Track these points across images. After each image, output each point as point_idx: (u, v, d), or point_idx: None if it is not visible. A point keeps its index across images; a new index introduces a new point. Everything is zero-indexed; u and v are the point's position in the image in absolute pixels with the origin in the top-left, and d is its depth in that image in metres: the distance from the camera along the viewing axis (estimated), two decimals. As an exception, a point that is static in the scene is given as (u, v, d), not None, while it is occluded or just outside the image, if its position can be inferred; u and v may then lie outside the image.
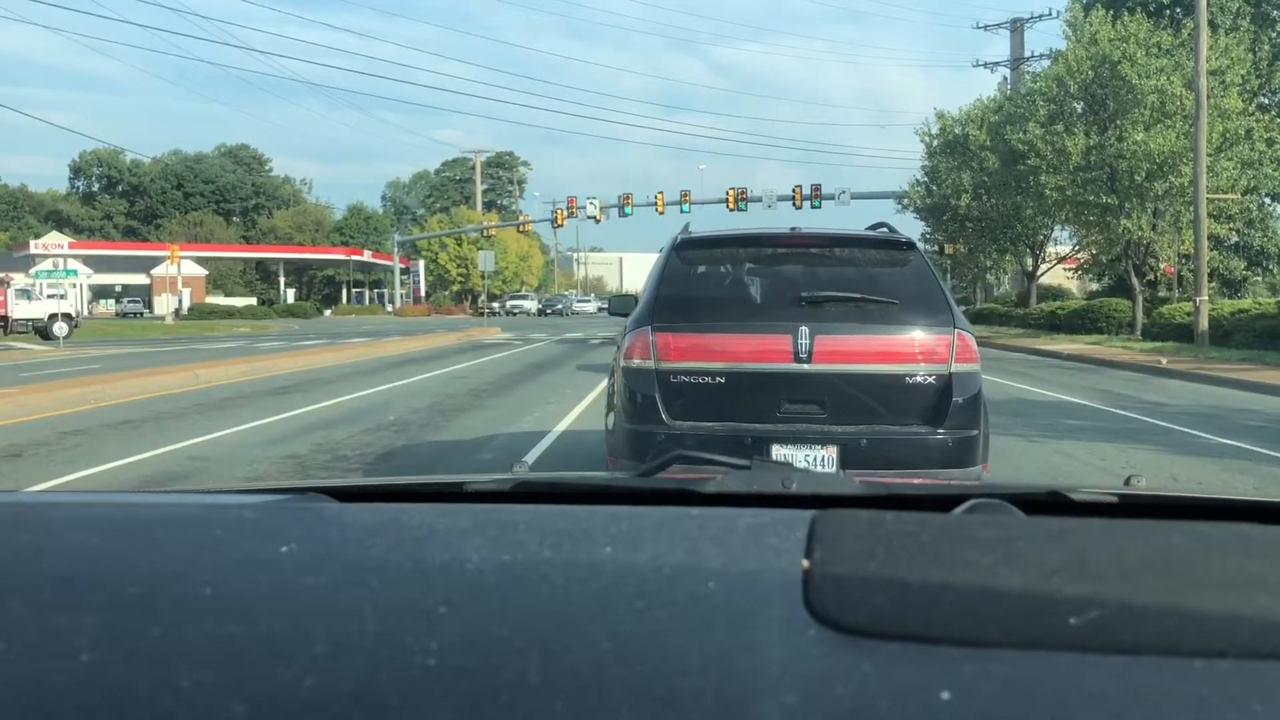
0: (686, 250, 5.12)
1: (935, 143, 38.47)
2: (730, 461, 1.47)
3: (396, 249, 67.86)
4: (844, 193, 51.08)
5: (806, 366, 4.67)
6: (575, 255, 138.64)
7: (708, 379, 4.70)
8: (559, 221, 59.63)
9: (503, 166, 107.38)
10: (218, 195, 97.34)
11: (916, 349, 4.71)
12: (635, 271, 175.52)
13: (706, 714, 0.62)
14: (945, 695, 0.62)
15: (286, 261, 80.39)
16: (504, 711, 0.63)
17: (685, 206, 50.95)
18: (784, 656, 0.68)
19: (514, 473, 1.61)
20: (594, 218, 56.37)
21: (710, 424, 4.66)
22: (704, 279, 5.10)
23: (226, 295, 76.74)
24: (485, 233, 66.10)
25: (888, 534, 0.84)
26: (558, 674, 0.66)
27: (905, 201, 40.51)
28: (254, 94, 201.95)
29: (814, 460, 4.51)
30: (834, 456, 4.53)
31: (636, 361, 4.80)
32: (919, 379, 4.68)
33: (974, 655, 0.67)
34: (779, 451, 4.52)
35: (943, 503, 1.23)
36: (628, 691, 0.64)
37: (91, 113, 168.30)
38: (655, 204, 52.25)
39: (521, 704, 0.63)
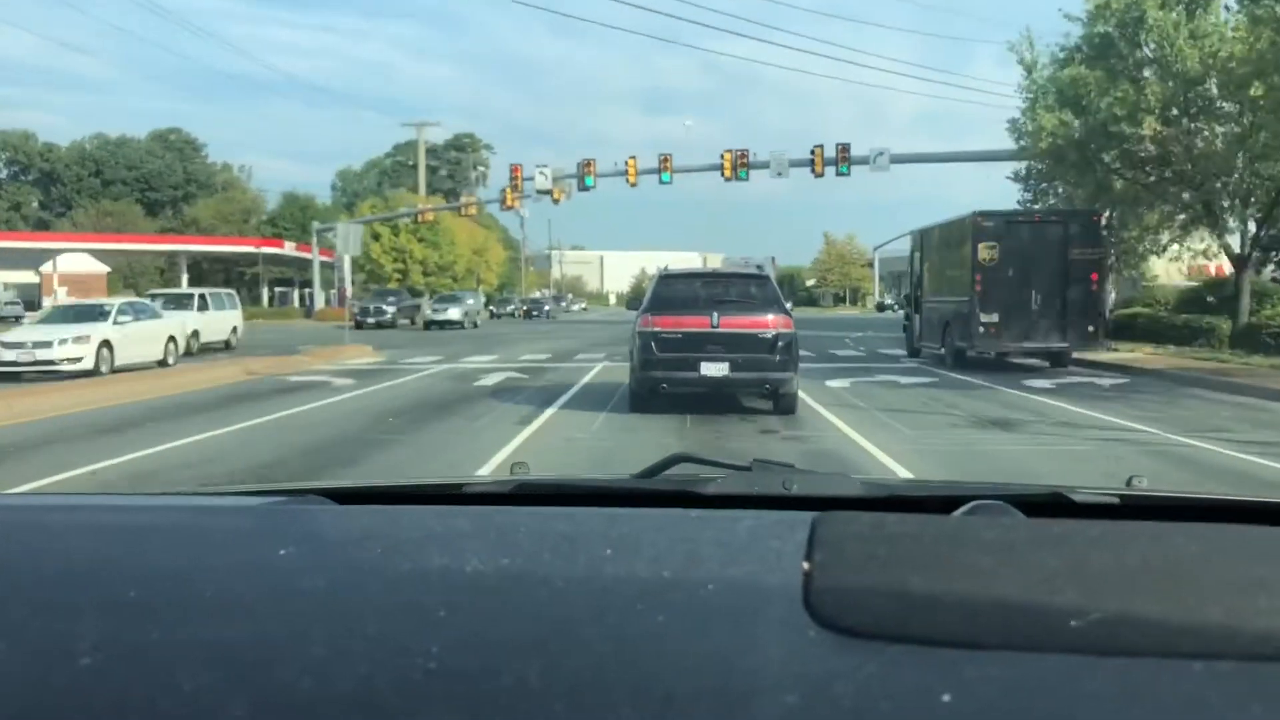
0: (665, 279, 12.34)
1: (1071, 47, 23.13)
2: (730, 464, 1.47)
3: (315, 239, 54.97)
4: (881, 154, 37.03)
5: (717, 330, 11.20)
6: (552, 252, 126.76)
7: (674, 334, 11.21)
8: (508, 202, 47.31)
9: (461, 150, 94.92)
10: (142, 183, 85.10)
11: (764, 321, 11.36)
12: (618, 271, 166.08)
13: (707, 716, 0.63)
14: (946, 698, 0.62)
15: (199, 255, 67.94)
16: (504, 714, 0.63)
17: (665, 175, 37.94)
18: (784, 658, 0.68)
19: (514, 474, 1.60)
20: (549, 192, 43.96)
21: (674, 354, 11.09)
22: (673, 292, 11.90)
23: (138, 295, 64.51)
24: (420, 218, 53.47)
25: (888, 536, 0.85)
26: (558, 676, 0.66)
27: (1024, 140, 24.85)
28: (231, 89, 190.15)
29: (717, 369, 11.06)
30: (726, 367, 11.04)
31: (643, 327, 11.42)
32: (764, 334, 11.29)
33: (974, 657, 0.67)
34: (706, 367, 11.00)
35: (944, 504, 1.22)
36: (628, 694, 0.65)
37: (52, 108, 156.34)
38: (626, 172, 38.81)
39: (522, 707, 0.63)
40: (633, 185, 38.29)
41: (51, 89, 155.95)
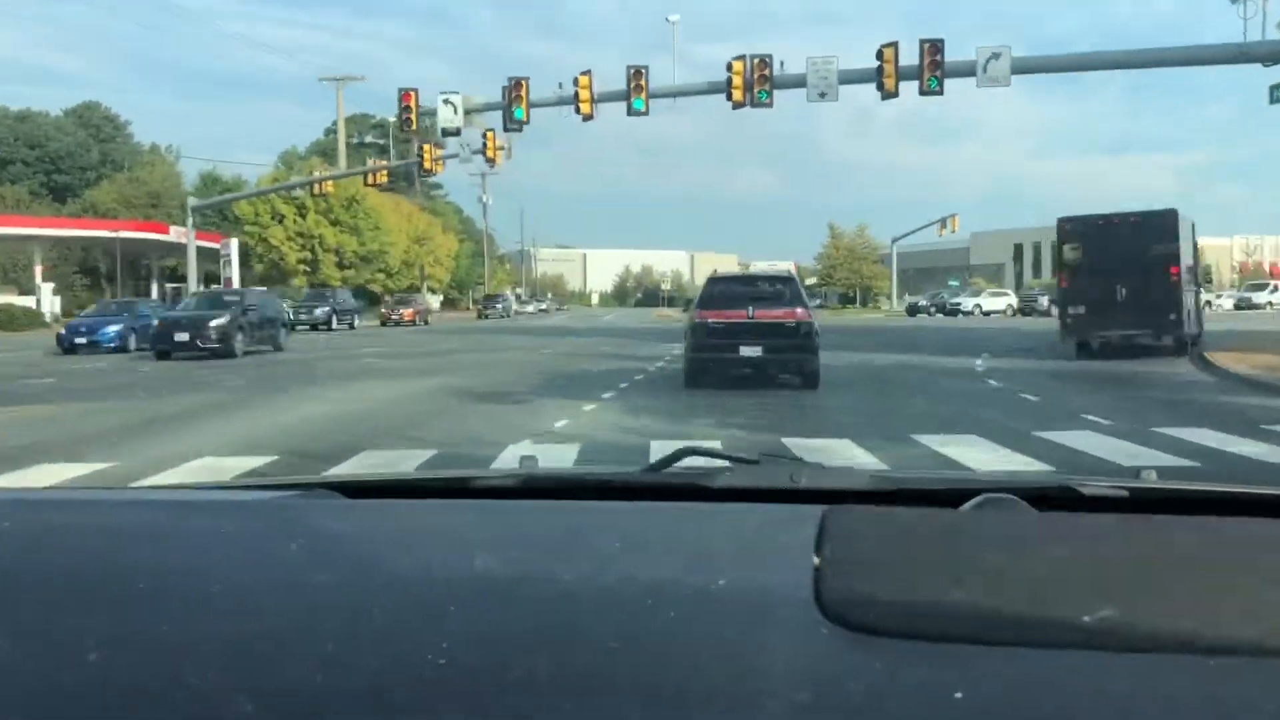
0: (712, 282, 14.94)
1: None
2: (739, 457, 1.47)
3: (191, 220, 41.68)
4: (997, 57, 21.64)
5: (751, 319, 13.61)
6: (526, 249, 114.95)
7: (719, 324, 13.67)
8: (427, 164, 34.97)
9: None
10: (48, 163, 72.60)
11: (791, 313, 13.73)
12: (601, 269, 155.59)
13: (716, 712, 0.62)
14: (958, 695, 0.62)
15: (85, 241, 55.04)
16: (513, 709, 0.63)
17: (638, 101, 23.82)
18: (795, 654, 0.68)
19: (523, 468, 1.57)
20: (484, 154, 31.68)
21: (719, 339, 13.65)
22: (718, 291, 14.41)
23: (21, 292, 51.44)
24: (318, 189, 40.32)
25: (898, 530, 0.85)
26: (567, 671, 0.66)
27: None
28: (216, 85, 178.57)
29: (752, 351, 13.60)
30: (760, 349, 13.48)
31: (696, 319, 13.95)
32: (789, 323, 13.61)
33: (986, 654, 0.66)
34: (744, 349, 13.53)
35: (952, 497, 1.20)
36: (637, 689, 0.65)
37: None
38: (575, 101, 24.28)
39: (530, 702, 0.63)
40: (587, 118, 24.35)
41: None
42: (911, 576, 0.75)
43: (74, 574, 0.86)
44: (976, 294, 60.35)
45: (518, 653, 0.68)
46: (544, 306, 71.95)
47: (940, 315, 54.58)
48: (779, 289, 14.38)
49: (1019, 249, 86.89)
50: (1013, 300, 57.11)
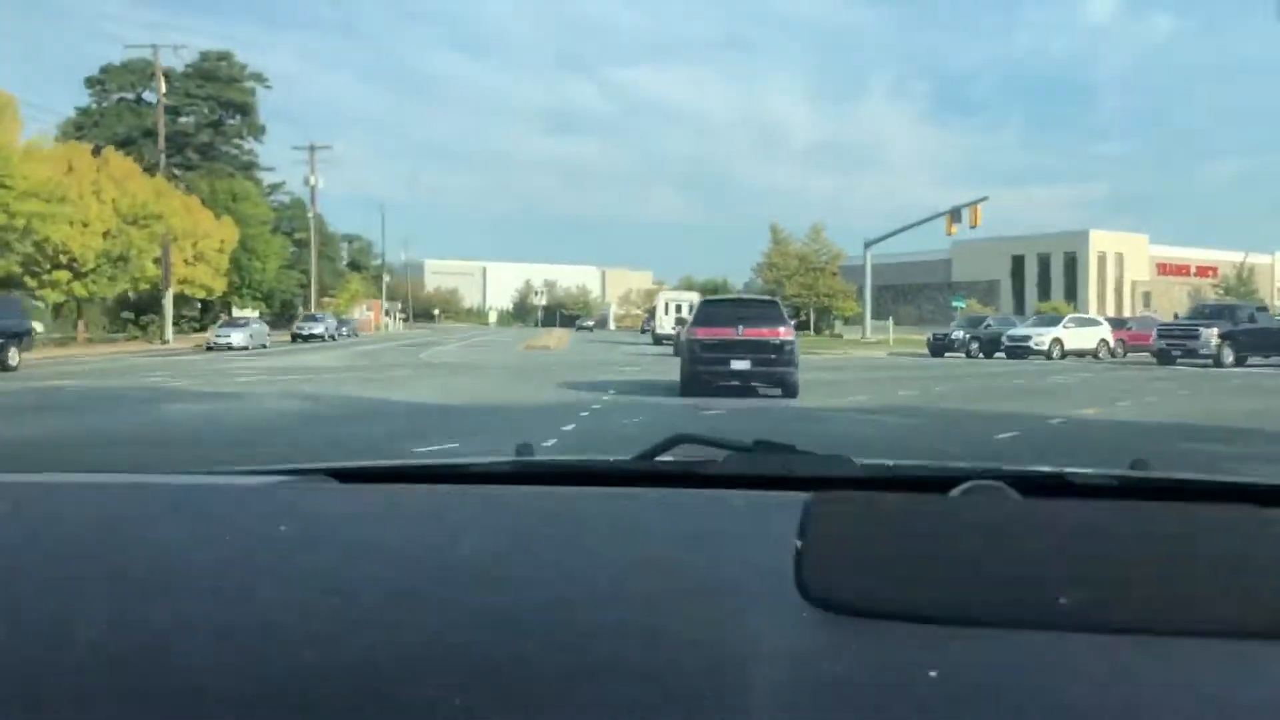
0: (706, 304, 17.41)
1: None
2: (733, 443, 1.43)
3: None
4: None
5: (740, 336, 15.02)
6: (393, 259, 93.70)
7: (711, 339, 15.10)
8: None
9: (212, 80, 58.97)
10: None
11: (775, 331, 15.27)
12: (502, 284, 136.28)
13: (697, 690, 0.64)
14: (932, 673, 0.63)
15: None
16: (500, 689, 0.64)
17: None
18: (774, 635, 0.69)
19: (515, 454, 1.58)
20: None
21: (711, 354, 15.02)
22: (711, 312, 16.16)
23: None
24: None
25: (881, 515, 0.86)
26: (554, 651, 0.68)
27: None
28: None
29: (741, 364, 14.93)
30: (748, 363, 14.92)
31: (689, 336, 15.75)
32: (774, 339, 15.18)
33: (961, 634, 0.68)
34: (734, 363, 14.90)
35: (942, 484, 1.21)
36: (621, 668, 0.66)
37: None
38: None
39: (518, 681, 0.64)
40: None
41: None
42: (890, 558, 0.75)
43: (67, 558, 0.86)
44: (1050, 322, 35.54)
45: (507, 635, 0.69)
46: (319, 330, 47.12)
47: (982, 355, 33.58)
48: (763, 310, 16.21)
49: (1018, 263, 67.38)
50: (1106, 334, 34.64)
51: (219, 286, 46.44)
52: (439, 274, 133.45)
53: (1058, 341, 32.78)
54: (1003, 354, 32.93)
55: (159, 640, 0.70)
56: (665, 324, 48.51)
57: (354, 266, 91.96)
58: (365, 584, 0.78)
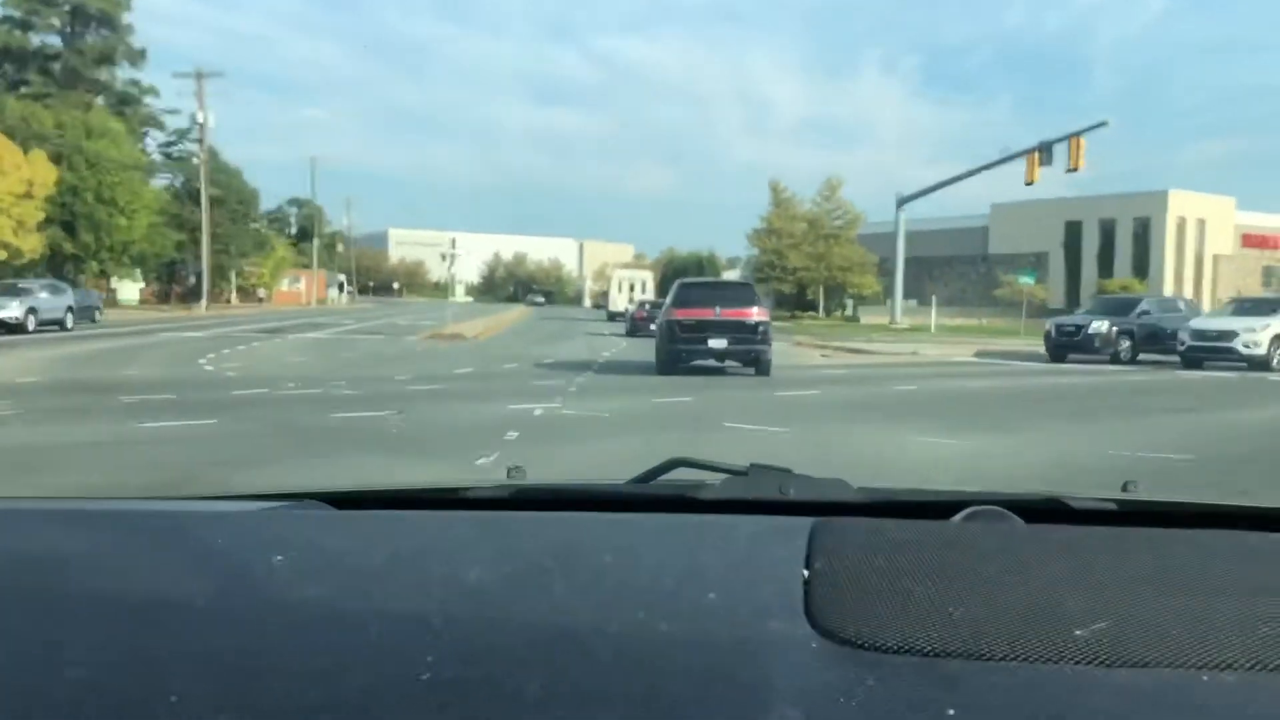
0: (684, 286, 18.76)
1: None
2: (728, 467, 1.44)
3: None
4: None
5: (718, 317, 17.02)
6: (347, 227, 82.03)
7: (689, 319, 17.07)
8: None
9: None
10: None
11: (749, 312, 17.28)
12: (476, 257, 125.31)
13: None
14: (950, 711, 0.61)
15: None
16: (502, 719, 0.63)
17: None
18: (786, 669, 0.67)
19: (512, 479, 1.59)
20: None
21: (690, 334, 16.96)
22: (689, 294, 18.03)
23: None
24: None
25: (888, 543, 0.85)
26: (558, 685, 0.66)
27: None
28: None
29: (718, 343, 17.00)
30: (725, 341, 16.88)
31: (669, 317, 17.45)
32: (749, 320, 17.15)
33: (979, 668, 0.66)
34: (711, 341, 16.89)
35: (941, 509, 1.20)
36: (629, 704, 0.64)
37: None
38: None
39: (522, 716, 0.63)
40: None
41: None
42: (903, 590, 0.74)
43: (60, 584, 0.85)
44: (1251, 310, 21.60)
45: (509, 666, 0.68)
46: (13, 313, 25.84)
47: (1129, 358, 21.75)
48: (739, 292, 18.51)
49: (1073, 230, 55.56)
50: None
51: (29, 245, 34.29)
52: (404, 245, 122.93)
53: (1279, 340, 20.39)
54: (1175, 357, 21.11)
55: (152, 673, 0.69)
56: (619, 301, 48.25)
57: (304, 234, 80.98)
58: (362, 614, 0.76)
